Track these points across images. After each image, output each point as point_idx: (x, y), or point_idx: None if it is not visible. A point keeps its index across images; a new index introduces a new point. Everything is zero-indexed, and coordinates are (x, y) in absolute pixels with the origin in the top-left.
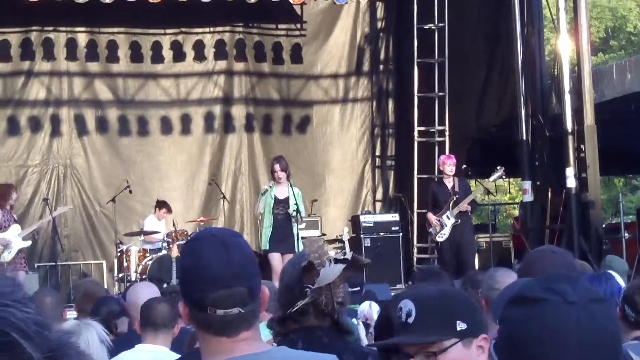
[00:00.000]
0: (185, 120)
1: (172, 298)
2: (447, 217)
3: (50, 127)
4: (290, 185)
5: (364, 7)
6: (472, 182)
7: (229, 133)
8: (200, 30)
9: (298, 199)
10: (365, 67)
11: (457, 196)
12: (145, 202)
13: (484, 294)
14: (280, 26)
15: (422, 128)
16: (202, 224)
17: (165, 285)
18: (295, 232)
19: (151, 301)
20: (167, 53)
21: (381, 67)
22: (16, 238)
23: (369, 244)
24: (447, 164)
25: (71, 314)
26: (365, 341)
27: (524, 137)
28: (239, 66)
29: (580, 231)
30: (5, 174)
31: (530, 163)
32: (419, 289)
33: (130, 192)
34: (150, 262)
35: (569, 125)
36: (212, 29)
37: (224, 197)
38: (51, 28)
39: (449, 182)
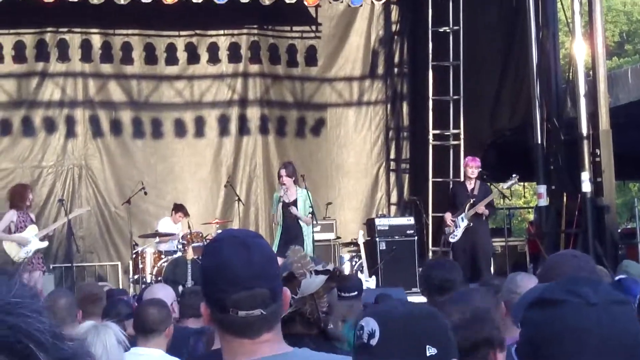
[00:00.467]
0: (199, 123)
1: (191, 298)
2: (462, 219)
3: (65, 128)
4: (305, 189)
5: (378, 10)
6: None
7: (244, 135)
8: (214, 32)
9: (306, 200)
10: (380, 70)
11: (474, 199)
12: (159, 204)
13: (504, 298)
14: (295, 28)
15: (437, 131)
16: (217, 226)
17: (180, 287)
18: (305, 234)
19: (142, 305)
20: (181, 55)
21: (396, 70)
22: (33, 239)
23: (384, 248)
24: (470, 166)
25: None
26: None
27: (539, 141)
28: (253, 68)
29: (595, 236)
30: (20, 175)
31: (545, 167)
32: (385, 305)
33: (146, 193)
34: (165, 264)
35: (584, 130)
36: (226, 31)
37: (239, 200)
38: (66, 29)
39: (469, 184)
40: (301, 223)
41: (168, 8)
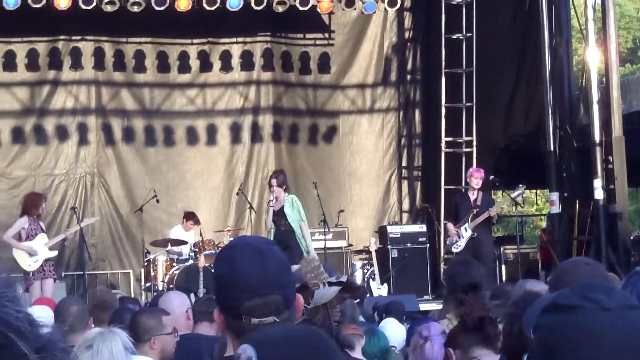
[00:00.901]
0: (212, 130)
1: (204, 305)
2: (465, 229)
3: (77, 136)
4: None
5: (391, 17)
6: (499, 193)
7: (256, 143)
8: (227, 40)
9: (293, 204)
10: (393, 77)
11: (477, 209)
12: (171, 212)
13: None
14: (307, 36)
15: (450, 138)
16: (229, 233)
17: (192, 295)
18: (297, 242)
19: (136, 312)
20: (194, 63)
21: (408, 77)
22: (43, 247)
23: (396, 255)
24: (475, 177)
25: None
26: None
27: (552, 148)
28: (266, 76)
29: (608, 243)
30: (32, 183)
31: (558, 174)
32: (265, 331)
33: (158, 201)
34: (177, 272)
35: (597, 136)
36: (239, 39)
37: (251, 207)
38: (79, 37)
39: (472, 195)
40: (294, 227)
41: (181, 16)
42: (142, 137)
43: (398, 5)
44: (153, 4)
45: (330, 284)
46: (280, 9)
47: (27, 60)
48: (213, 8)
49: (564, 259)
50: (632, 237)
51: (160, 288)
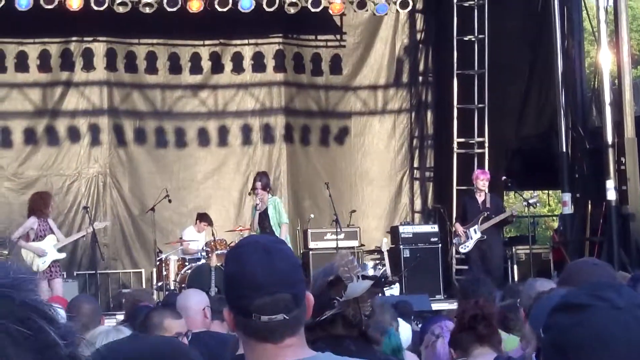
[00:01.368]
0: (223, 132)
1: (215, 303)
2: (474, 230)
3: (89, 137)
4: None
5: (403, 19)
6: (512, 194)
7: (267, 144)
8: (239, 41)
9: (276, 207)
10: (405, 78)
11: (487, 212)
12: (182, 212)
13: (523, 304)
14: (319, 37)
15: (462, 140)
16: (241, 233)
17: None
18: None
19: None
20: (205, 64)
21: (420, 78)
22: (51, 249)
23: (407, 255)
24: (480, 179)
25: (109, 321)
26: None
27: (564, 149)
28: (277, 77)
29: (620, 244)
30: (44, 183)
31: (570, 175)
32: (113, 343)
33: (170, 201)
34: (189, 271)
35: (609, 138)
36: (251, 40)
37: None
38: (91, 38)
39: (480, 197)
40: (274, 229)
41: (193, 17)
42: (153, 138)
43: (410, 7)
44: (165, 5)
45: (364, 277)
46: (292, 10)
47: (39, 61)
48: (225, 9)
49: (576, 259)
50: None
51: (172, 287)
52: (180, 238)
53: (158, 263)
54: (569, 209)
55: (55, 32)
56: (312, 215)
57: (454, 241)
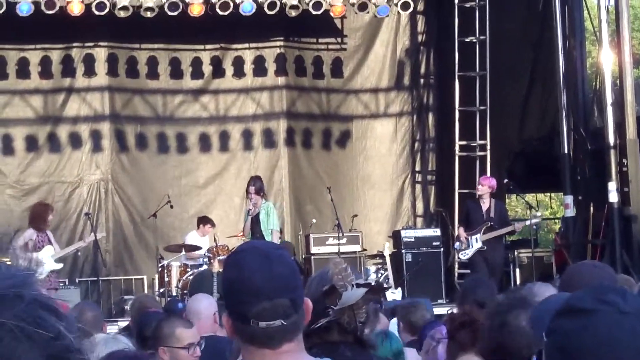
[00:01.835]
0: (224, 136)
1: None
2: (476, 240)
3: (91, 143)
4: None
5: (404, 21)
6: (514, 197)
7: (269, 148)
8: (240, 45)
9: (268, 212)
10: (406, 80)
11: (491, 222)
12: (184, 218)
13: None
14: (320, 40)
15: (463, 142)
16: (243, 238)
17: None
18: None
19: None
20: (206, 69)
21: (422, 80)
22: (48, 259)
23: (410, 259)
24: (482, 185)
25: (111, 328)
26: None
27: (566, 151)
28: (279, 81)
29: (622, 246)
30: (46, 190)
31: (572, 177)
32: None
33: (172, 207)
34: (191, 277)
35: (611, 139)
36: (252, 44)
37: None
38: (92, 44)
39: (484, 204)
40: (264, 234)
41: (194, 21)
42: (155, 144)
43: (411, 9)
44: (166, 9)
45: (358, 285)
46: (293, 13)
47: (40, 67)
48: (226, 13)
49: (578, 262)
50: None
51: (174, 293)
52: (183, 244)
53: (160, 269)
54: (571, 212)
55: (57, 38)
56: (314, 220)
57: (455, 246)
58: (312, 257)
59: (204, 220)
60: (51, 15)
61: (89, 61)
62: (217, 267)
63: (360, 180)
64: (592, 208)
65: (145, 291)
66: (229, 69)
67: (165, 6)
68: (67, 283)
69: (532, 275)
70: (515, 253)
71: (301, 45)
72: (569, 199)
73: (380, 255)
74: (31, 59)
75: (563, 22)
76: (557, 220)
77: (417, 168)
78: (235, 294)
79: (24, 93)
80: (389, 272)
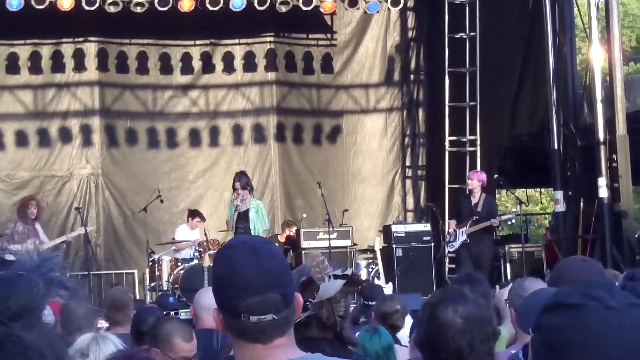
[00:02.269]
0: (214, 132)
1: None
2: (462, 232)
3: (81, 138)
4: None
5: (394, 17)
6: (504, 192)
7: (259, 143)
8: (230, 41)
9: (258, 211)
10: (396, 76)
11: (477, 217)
12: (174, 213)
13: (513, 304)
14: (310, 36)
15: (454, 138)
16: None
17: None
18: None
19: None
20: (196, 64)
21: (412, 76)
22: None
23: (400, 254)
24: (472, 179)
25: (102, 323)
26: None
27: (556, 147)
28: (269, 76)
29: (612, 241)
30: (36, 184)
31: (562, 173)
32: None
33: (162, 201)
34: (182, 272)
35: (601, 135)
36: (242, 40)
37: None
38: (82, 39)
39: (474, 198)
40: (252, 233)
41: (184, 16)
42: (145, 138)
43: (401, 5)
44: (156, 5)
45: (336, 276)
46: (283, 9)
47: (30, 62)
48: (216, 8)
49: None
50: (636, 235)
51: (165, 288)
52: (173, 238)
53: (151, 264)
54: (561, 207)
55: (47, 33)
56: (304, 215)
57: (446, 238)
58: (303, 252)
59: (193, 214)
60: (41, 10)
61: (79, 56)
62: (207, 262)
63: (351, 175)
64: (582, 203)
65: (137, 286)
66: (219, 65)
67: (155, 1)
68: None
69: (523, 270)
70: (506, 248)
71: (291, 40)
72: (559, 195)
73: (371, 250)
74: (21, 54)
75: (553, 19)
76: (547, 216)
77: (408, 163)
78: (225, 289)
79: (13, 88)
80: (380, 267)
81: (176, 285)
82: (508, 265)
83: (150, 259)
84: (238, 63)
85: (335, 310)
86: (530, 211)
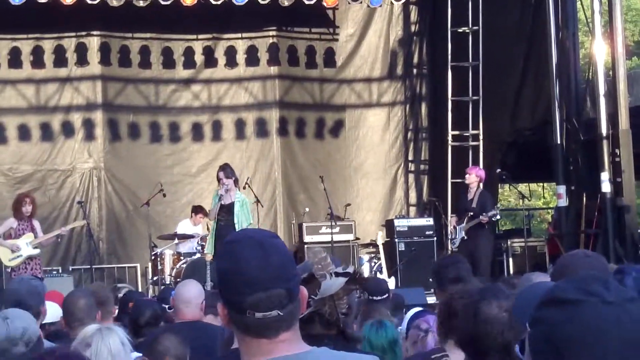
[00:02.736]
0: (217, 126)
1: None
2: (461, 229)
3: (84, 132)
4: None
5: (397, 11)
6: (506, 187)
7: (262, 137)
8: (232, 35)
9: (243, 205)
10: (399, 70)
11: (471, 212)
12: (176, 207)
13: None
14: (313, 30)
15: (456, 132)
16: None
17: None
18: None
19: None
20: (199, 58)
21: (414, 70)
22: (26, 246)
23: (403, 248)
24: (469, 174)
25: None
26: None
27: (559, 141)
28: (271, 70)
29: (615, 236)
30: (39, 178)
31: (565, 167)
32: None
33: (164, 195)
34: (184, 266)
35: (604, 129)
36: (244, 34)
37: (258, 201)
38: (84, 33)
39: (470, 194)
40: (236, 227)
41: (187, 10)
42: (147, 132)
43: None
44: None
45: (337, 274)
46: (286, 2)
47: (32, 57)
48: (219, 2)
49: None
50: (639, 230)
51: (168, 282)
52: (175, 232)
53: (153, 257)
54: (564, 202)
55: (49, 27)
56: (307, 209)
57: (448, 236)
58: (305, 246)
59: (197, 210)
60: (43, 4)
61: (82, 50)
62: (210, 256)
63: (353, 169)
64: (584, 198)
65: (139, 279)
66: (222, 59)
67: None
68: (60, 271)
69: (525, 264)
70: (509, 242)
71: (294, 34)
72: (562, 189)
73: (374, 244)
74: (23, 49)
75: (556, 13)
76: (550, 210)
77: (410, 157)
78: (230, 284)
79: (16, 82)
80: (382, 261)
81: (178, 279)
82: (511, 259)
83: (153, 253)
84: (240, 57)
85: (337, 307)
86: (533, 206)
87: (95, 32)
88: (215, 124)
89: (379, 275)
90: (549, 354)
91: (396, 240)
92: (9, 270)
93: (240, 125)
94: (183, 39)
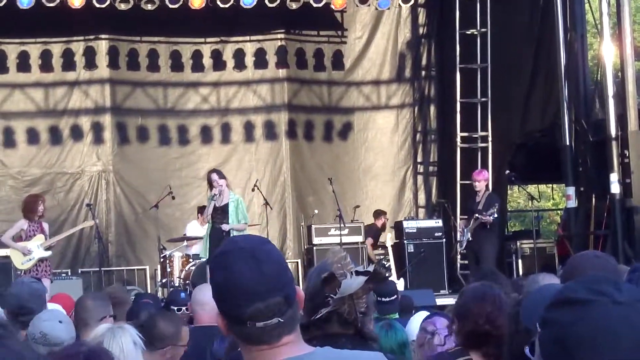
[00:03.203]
0: (226, 129)
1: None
2: (466, 231)
3: (93, 135)
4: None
5: (405, 13)
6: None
7: (271, 140)
8: (240, 38)
9: (238, 206)
10: (407, 73)
11: (477, 214)
12: (185, 209)
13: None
14: (321, 33)
15: (465, 134)
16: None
17: None
18: None
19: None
20: (207, 61)
21: (423, 73)
22: (38, 248)
23: (412, 250)
24: (478, 181)
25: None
26: None
27: (568, 143)
28: (280, 73)
29: (624, 237)
30: (47, 181)
31: (574, 169)
32: None
33: (173, 198)
34: (193, 268)
35: (613, 131)
36: (252, 37)
37: (267, 203)
38: (92, 37)
39: (477, 197)
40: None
41: (195, 13)
42: (156, 136)
43: (412, 1)
44: (167, 2)
45: (358, 273)
46: (294, 5)
47: (41, 61)
48: (227, 5)
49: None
50: None
51: (177, 284)
52: (184, 235)
53: (162, 260)
54: (573, 203)
55: (57, 31)
56: (316, 211)
57: (457, 238)
58: (314, 248)
59: (203, 210)
60: (52, 7)
61: (90, 54)
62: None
63: (362, 171)
64: (594, 199)
65: (148, 282)
66: (230, 62)
67: None
68: (69, 274)
69: (535, 266)
70: (518, 244)
71: (302, 37)
72: (571, 191)
73: (383, 246)
74: (32, 53)
75: (564, 15)
76: (559, 212)
77: (419, 159)
78: (226, 297)
79: (24, 86)
80: (391, 263)
81: (187, 281)
82: (520, 261)
83: (162, 255)
84: (249, 60)
85: (356, 306)
86: (542, 207)
87: (103, 36)
88: (224, 126)
89: (387, 275)
90: (560, 355)
91: (405, 242)
92: (19, 272)
93: (249, 128)
94: (191, 42)
